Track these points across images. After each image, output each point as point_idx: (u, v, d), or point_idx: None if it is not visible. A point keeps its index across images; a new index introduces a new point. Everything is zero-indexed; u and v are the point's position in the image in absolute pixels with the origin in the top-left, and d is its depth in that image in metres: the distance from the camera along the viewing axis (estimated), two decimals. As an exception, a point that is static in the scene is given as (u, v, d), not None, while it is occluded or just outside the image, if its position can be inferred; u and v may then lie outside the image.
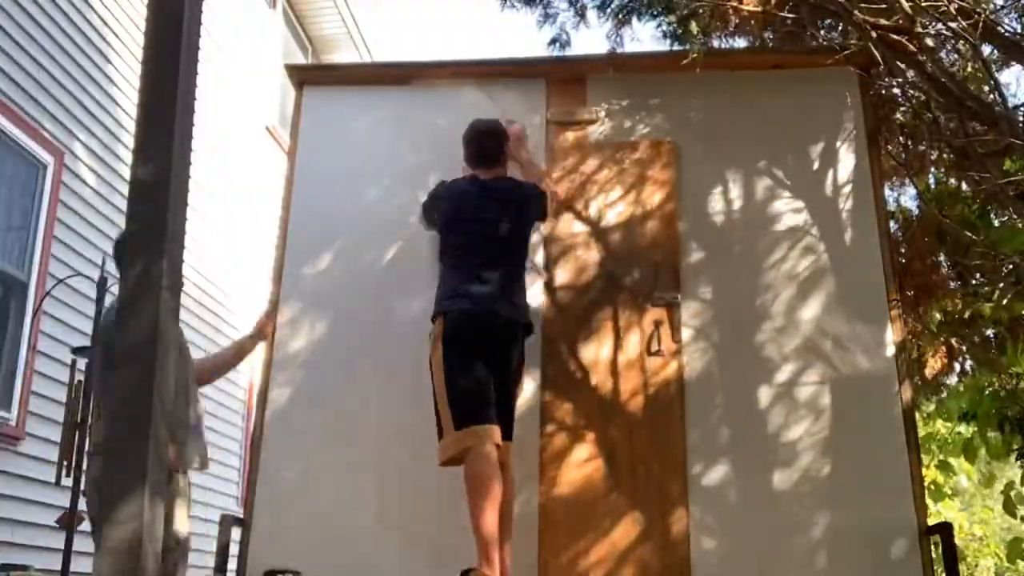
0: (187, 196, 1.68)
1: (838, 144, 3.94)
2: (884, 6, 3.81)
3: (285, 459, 3.68)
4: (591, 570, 3.39)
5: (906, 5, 3.65)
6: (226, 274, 8.38)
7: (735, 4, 4.32)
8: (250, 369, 8.75)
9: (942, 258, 5.53)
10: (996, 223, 5.37)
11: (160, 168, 1.36)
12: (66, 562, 4.56)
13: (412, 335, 3.74)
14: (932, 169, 5.60)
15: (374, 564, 3.49)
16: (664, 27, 4.61)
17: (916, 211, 5.69)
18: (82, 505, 4.64)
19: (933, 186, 5.77)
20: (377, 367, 3.77)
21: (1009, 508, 7.27)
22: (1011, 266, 4.97)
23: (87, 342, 5.20)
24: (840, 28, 4.89)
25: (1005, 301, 5.29)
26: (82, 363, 5.02)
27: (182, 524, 3.39)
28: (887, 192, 4.82)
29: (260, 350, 3.92)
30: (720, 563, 3.35)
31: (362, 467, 3.63)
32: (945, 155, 5.22)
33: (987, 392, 6.35)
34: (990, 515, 12.97)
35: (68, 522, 4.64)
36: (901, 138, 5.26)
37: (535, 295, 3.74)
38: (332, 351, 3.83)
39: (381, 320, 3.85)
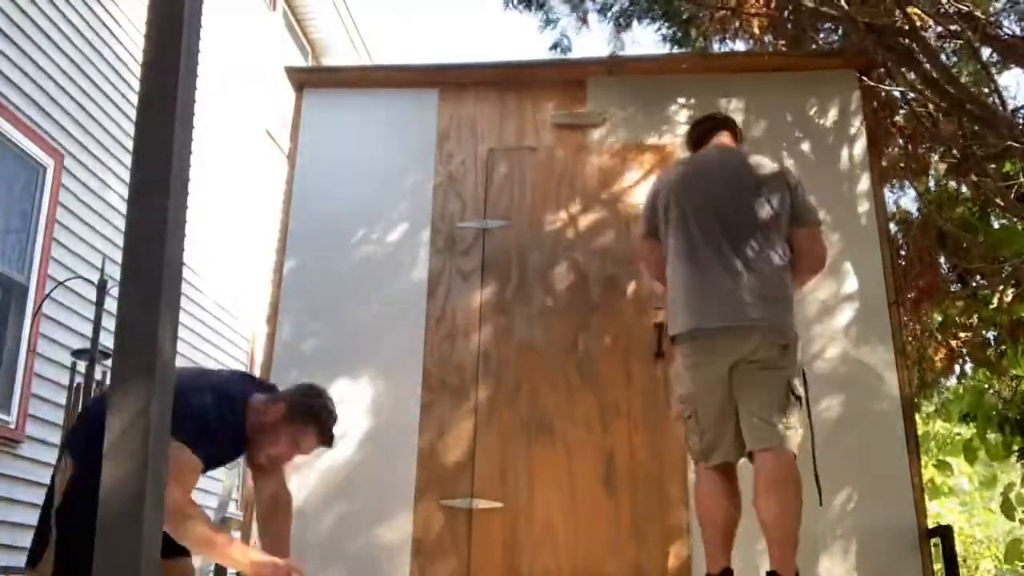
0: (187, 199, 1.68)
1: (838, 146, 3.94)
2: (884, 8, 3.81)
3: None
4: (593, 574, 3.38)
5: (909, 10, 3.65)
6: (226, 277, 8.38)
7: (736, 8, 4.32)
8: (251, 363, 8.75)
9: (942, 260, 5.53)
10: (996, 225, 5.38)
11: (160, 171, 1.35)
12: (66, 565, 4.54)
13: (412, 335, 3.74)
14: (932, 171, 5.60)
15: (376, 562, 3.49)
16: (664, 31, 4.62)
17: (916, 213, 5.69)
18: (82, 508, 4.65)
19: (933, 188, 5.78)
20: (378, 368, 3.77)
21: (1007, 510, 7.27)
22: (1010, 268, 4.97)
23: (87, 345, 5.20)
24: (840, 31, 4.90)
25: (1005, 303, 5.29)
26: (82, 365, 5.03)
27: None
28: (887, 194, 4.82)
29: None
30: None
31: (364, 467, 3.63)
32: (946, 158, 5.22)
33: (987, 394, 6.36)
34: (991, 517, 12.97)
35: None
36: (901, 140, 5.27)
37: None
38: (332, 352, 3.83)
39: (382, 321, 3.85)
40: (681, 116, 4.06)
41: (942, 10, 3.69)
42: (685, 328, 2.95)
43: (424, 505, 3.54)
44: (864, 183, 3.87)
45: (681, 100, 4.10)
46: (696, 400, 2.94)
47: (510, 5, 5.27)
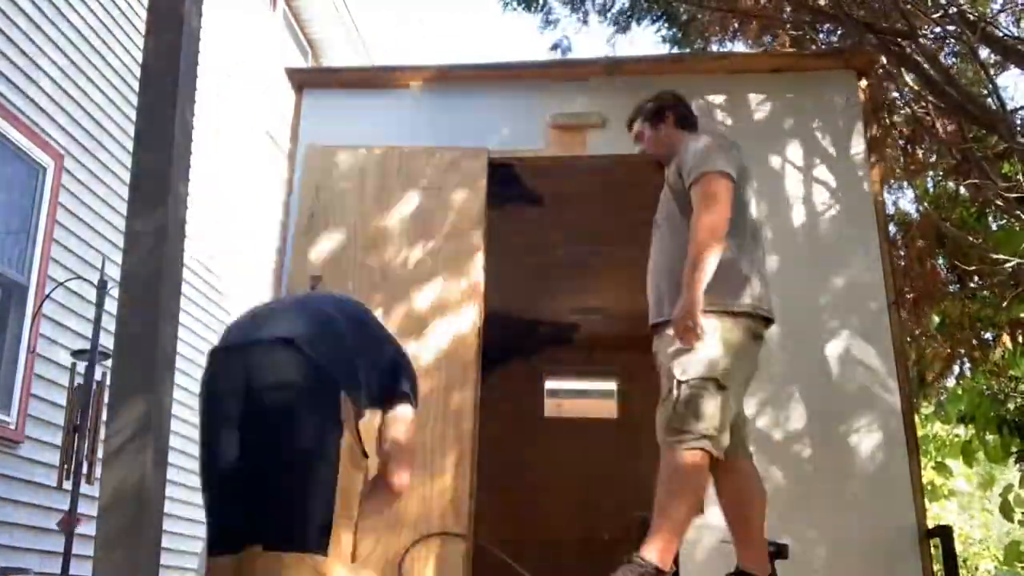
0: (187, 200, 1.69)
1: (838, 147, 3.94)
2: (883, 10, 3.82)
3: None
4: None
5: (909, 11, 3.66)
6: (227, 279, 8.38)
7: (736, 9, 4.33)
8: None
9: (941, 261, 5.54)
10: (994, 226, 5.38)
11: (160, 172, 1.36)
12: (65, 565, 4.55)
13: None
14: (931, 172, 5.61)
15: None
16: (664, 32, 4.63)
17: (915, 214, 5.70)
18: (81, 508, 4.64)
19: (932, 189, 5.79)
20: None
21: (1006, 511, 7.28)
22: (1009, 269, 4.98)
23: (86, 345, 5.20)
24: (840, 32, 4.90)
25: (1004, 304, 5.29)
26: (82, 366, 5.02)
27: None
28: (887, 195, 4.83)
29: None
30: (718, 568, 3.35)
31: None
32: (945, 159, 5.23)
33: (986, 395, 6.36)
34: (990, 518, 12.99)
35: (68, 526, 4.64)
36: (901, 141, 5.27)
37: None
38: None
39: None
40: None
41: (941, 11, 3.70)
42: (754, 304, 2.77)
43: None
44: (863, 184, 3.87)
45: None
46: (744, 381, 2.80)
47: (509, 7, 5.28)
